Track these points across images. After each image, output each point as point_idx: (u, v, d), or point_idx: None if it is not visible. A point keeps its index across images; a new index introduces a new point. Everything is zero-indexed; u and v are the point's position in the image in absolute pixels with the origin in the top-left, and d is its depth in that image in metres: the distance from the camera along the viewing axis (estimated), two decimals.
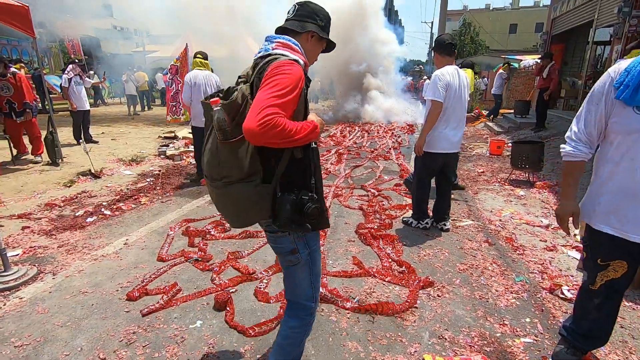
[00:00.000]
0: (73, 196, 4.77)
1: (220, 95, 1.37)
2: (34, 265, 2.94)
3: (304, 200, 1.34)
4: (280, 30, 1.46)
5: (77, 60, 8.36)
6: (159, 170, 6.14)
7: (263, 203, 1.34)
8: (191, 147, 7.70)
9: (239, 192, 1.32)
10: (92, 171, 5.77)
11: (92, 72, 8.20)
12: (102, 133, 9.61)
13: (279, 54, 1.35)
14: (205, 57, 5.18)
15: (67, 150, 7.01)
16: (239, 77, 1.42)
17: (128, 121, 12.12)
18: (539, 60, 13.01)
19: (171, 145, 7.98)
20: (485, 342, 2.10)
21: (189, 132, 8.95)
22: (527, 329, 2.22)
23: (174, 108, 7.89)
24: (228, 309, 2.34)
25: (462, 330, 2.20)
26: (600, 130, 1.57)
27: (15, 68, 6.73)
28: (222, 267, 2.88)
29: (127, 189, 5.17)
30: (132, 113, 13.74)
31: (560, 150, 1.68)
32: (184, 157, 7.11)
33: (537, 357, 2.00)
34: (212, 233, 3.54)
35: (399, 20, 56.58)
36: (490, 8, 53.73)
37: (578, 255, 3.09)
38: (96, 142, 8.08)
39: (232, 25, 12.90)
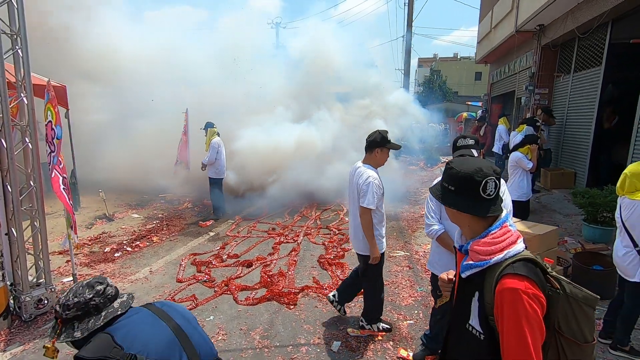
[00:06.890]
0: (97, 236, 6.03)
1: None
2: None
3: None
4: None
5: None
6: (162, 214, 7.45)
7: None
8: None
9: None
10: (107, 214, 7.04)
11: None
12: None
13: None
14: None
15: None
16: None
17: None
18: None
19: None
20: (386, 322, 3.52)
21: None
22: (413, 317, 3.66)
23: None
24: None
25: None
26: None
27: None
28: (223, 285, 4.23)
29: (139, 229, 6.46)
30: None
31: None
32: (181, 201, 8.44)
33: (415, 330, 3.42)
34: (213, 263, 4.88)
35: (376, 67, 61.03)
36: (458, 57, 59.02)
37: None
38: None
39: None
